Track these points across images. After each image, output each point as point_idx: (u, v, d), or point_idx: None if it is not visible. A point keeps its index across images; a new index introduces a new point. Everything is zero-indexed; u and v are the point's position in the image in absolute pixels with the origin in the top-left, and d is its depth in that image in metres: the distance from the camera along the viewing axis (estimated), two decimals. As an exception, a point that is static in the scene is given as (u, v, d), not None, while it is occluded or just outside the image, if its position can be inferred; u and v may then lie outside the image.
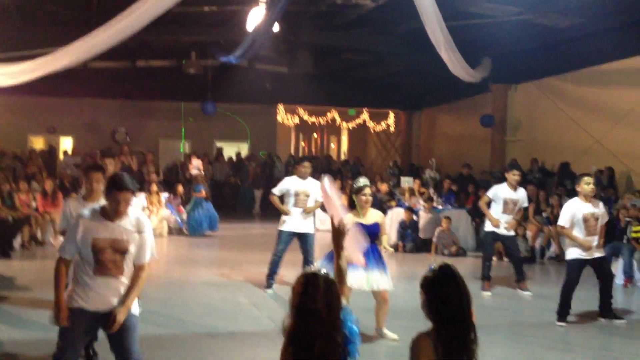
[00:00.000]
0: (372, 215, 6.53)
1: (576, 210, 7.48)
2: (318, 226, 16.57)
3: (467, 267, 11.70)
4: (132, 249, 4.25)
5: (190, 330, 6.82)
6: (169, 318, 7.20)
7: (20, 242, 12.31)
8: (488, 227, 9.45)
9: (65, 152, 20.70)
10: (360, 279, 6.18)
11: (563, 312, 7.51)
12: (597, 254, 7.54)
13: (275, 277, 8.94)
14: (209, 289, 9.03)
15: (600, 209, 7.57)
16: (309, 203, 8.88)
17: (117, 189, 4.16)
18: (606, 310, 7.69)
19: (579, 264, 7.52)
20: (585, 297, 8.08)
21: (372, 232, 6.41)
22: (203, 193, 14.98)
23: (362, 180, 6.61)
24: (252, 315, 7.58)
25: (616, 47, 13.77)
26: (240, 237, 15.20)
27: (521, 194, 9.48)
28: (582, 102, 15.67)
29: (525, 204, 9.79)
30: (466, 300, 2.93)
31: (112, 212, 4.21)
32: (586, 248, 7.39)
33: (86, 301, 4.22)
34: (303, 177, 9.00)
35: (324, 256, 6.44)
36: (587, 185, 7.50)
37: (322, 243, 14.65)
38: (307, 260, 8.95)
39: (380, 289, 6.41)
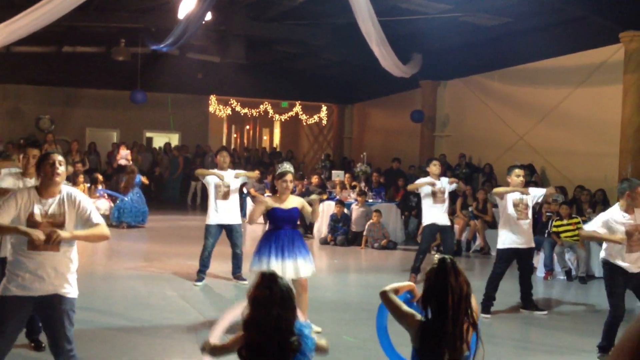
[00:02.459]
0: (292, 201, 6.46)
1: (509, 196, 7.73)
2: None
3: (395, 259, 11.90)
4: (67, 223, 4.18)
5: (115, 324, 6.69)
6: (94, 312, 7.03)
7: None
8: (426, 220, 9.60)
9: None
10: (278, 268, 5.95)
11: (487, 303, 7.71)
12: (530, 244, 7.84)
13: (206, 271, 8.85)
14: (135, 281, 8.86)
15: (529, 196, 7.81)
16: (231, 195, 8.77)
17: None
18: (527, 301, 7.96)
19: (508, 254, 7.75)
20: (510, 289, 8.33)
21: (291, 217, 6.41)
22: (145, 181, 14.95)
23: (285, 166, 6.55)
24: (180, 308, 7.49)
25: (541, 47, 14.23)
26: (168, 229, 14.97)
27: (443, 182, 9.71)
28: (508, 100, 16.14)
29: (453, 186, 9.90)
30: (456, 295, 2.98)
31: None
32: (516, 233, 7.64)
33: (22, 287, 4.10)
34: (222, 167, 8.90)
35: (256, 252, 6.37)
36: (517, 177, 7.78)
37: (253, 235, 14.66)
38: (235, 252, 8.91)
39: (301, 276, 6.29)
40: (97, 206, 14.30)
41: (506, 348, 6.49)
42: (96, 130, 22.56)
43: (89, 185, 14.79)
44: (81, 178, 14.35)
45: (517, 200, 7.74)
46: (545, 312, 7.88)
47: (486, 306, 7.66)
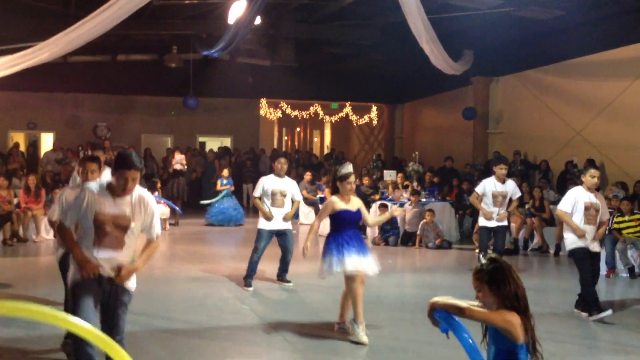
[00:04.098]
0: (355, 202, 6.54)
1: (578, 198, 7.48)
2: (302, 220, 16.63)
3: (451, 259, 11.76)
4: (134, 225, 4.34)
5: (173, 326, 6.77)
6: (152, 314, 7.15)
7: (2, 239, 12.19)
8: (482, 222, 9.56)
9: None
10: (355, 264, 6.16)
11: (594, 306, 7.32)
12: (595, 248, 7.49)
13: (253, 276, 8.82)
14: (191, 284, 8.97)
15: (601, 202, 7.54)
16: (286, 202, 8.76)
17: (125, 167, 4.24)
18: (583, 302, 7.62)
19: (583, 251, 7.41)
20: (573, 288, 8.11)
21: (357, 218, 6.51)
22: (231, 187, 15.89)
23: (348, 168, 6.58)
24: (237, 310, 7.55)
25: (596, 40, 13.88)
26: (222, 232, 15.14)
27: (510, 186, 9.58)
28: (563, 94, 15.77)
29: (518, 194, 9.85)
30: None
31: (118, 189, 4.29)
32: (579, 235, 7.38)
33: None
34: (279, 175, 8.86)
35: (327, 255, 6.35)
36: (591, 177, 7.44)
37: (302, 238, 14.70)
38: (285, 257, 8.90)
39: (375, 272, 6.42)
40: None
41: (570, 346, 6.32)
42: (151, 136, 23.02)
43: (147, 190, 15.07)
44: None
45: (588, 204, 7.42)
46: (599, 316, 7.36)
47: (592, 308, 7.35)
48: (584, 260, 7.40)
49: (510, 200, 9.68)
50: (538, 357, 3.18)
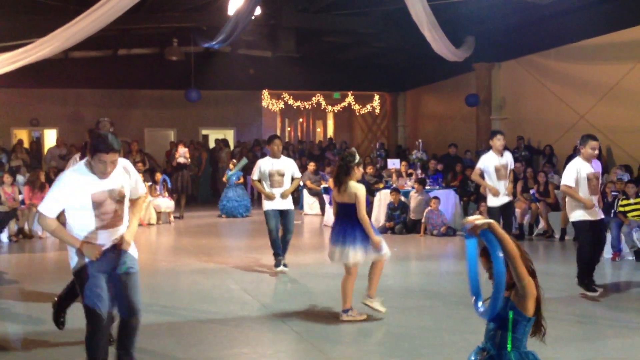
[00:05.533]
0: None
1: (580, 170, 7.49)
2: (306, 211, 16.64)
3: (456, 246, 11.75)
4: (127, 192, 4.49)
5: (181, 317, 6.79)
6: (160, 306, 7.17)
7: (8, 235, 12.24)
8: (491, 201, 9.52)
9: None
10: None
11: (585, 278, 7.44)
12: (601, 216, 7.59)
13: (281, 254, 8.95)
14: (198, 276, 9.00)
15: (598, 169, 7.60)
16: (285, 182, 8.89)
17: (103, 151, 4.21)
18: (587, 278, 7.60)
19: (585, 225, 7.48)
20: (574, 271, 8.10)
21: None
22: (241, 179, 16.16)
23: (357, 154, 6.70)
24: (244, 301, 7.56)
25: (598, 23, 13.80)
26: (227, 223, 15.18)
27: (508, 157, 9.57)
28: (567, 78, 15.70)
29: (513, 165, 9.86)
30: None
31: (98, 173, 4.29)
32: (589, 207, 7.39)
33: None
34: (275, 155, 8.97)
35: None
36: (592, 150, 7.46)
37: (310, 227, 14.73)
38: (285, 236, 9.01)
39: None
40: (158, 204, 14.72)
41: (576, 330, 6.33)
42: (154, 130, 23.03)
43: (150, 184, 15.13)
44: (142, 177, 14.62)
45: (590, 175, 7.49)
46: (597, 293, 7.48)
47: (584, 283, 7.48)
48: (587, 233, 7.50)
49: (510, 170, 9.70)
50: (542, 332, 3.14)
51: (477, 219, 3.04)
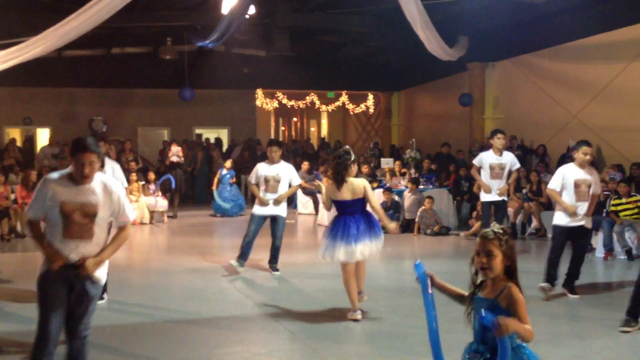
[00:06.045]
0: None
1: (569, 175, 7.50)
2: (300, 210, 16.64)
3: (449, 245, 11.78)
4: (102, 212, 4.26)
5: (174, 317, 6.77)
6: (152, 306, 7.16)
7: (0, 234, 12.19)
8: (483, 197, 9.63)
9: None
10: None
11: (549, 279, 7.50)
12: (582, 223, 7.52)
13: (246, 257, 8.86)
14: (191, 275, 8.98)
15: (593, 177, 7.57)
16: (280, 188, 8.80)
17: (80, 151, 4.16)
18: (570, 282, 7.64)
19: (561, 230, 7.53)
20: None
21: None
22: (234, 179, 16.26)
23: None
24: (236, 300, 7.56)
25: (591, 23, 13.82)
26: (220, 223, 15.16)
27: (508, 157, 9.60)
28: (560, 78, 15.73)
29: (517, 166, 9.91)
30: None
31: (77, 176, 4.20)
32: (570, 212, 7.39)
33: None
34: (272, 161, 8.90)
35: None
36: (584, 155, 7.45)
37: (304, 227, 14.72)
38: (274, 243, 8.93)
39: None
40: (151, 204, 14.69)
41: (566, 328, 6.35)
42: (147, 129, 22.97)
43: (142, 183, 15.10)
44: (134, 176, 14.62)
45: (579, 180, 7.45)
46: (578, 297, 7.50)
47: (548, 282, 7.52)
48: (559, 237, 7.58)
49: (510, 172, 9.72)
50: None
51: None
